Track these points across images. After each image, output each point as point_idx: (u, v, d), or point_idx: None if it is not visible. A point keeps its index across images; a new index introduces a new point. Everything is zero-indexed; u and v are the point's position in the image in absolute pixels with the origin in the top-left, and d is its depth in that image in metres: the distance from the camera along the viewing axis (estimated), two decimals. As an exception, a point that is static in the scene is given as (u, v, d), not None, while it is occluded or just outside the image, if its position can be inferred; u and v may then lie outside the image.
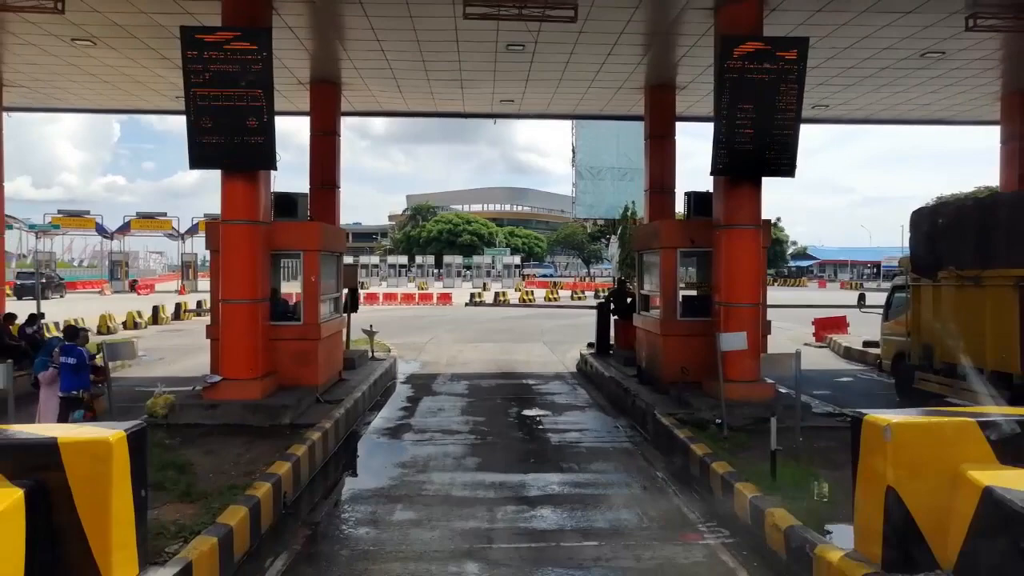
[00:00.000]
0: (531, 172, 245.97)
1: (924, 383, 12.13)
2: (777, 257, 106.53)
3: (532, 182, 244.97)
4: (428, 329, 28.47)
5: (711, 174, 10.54)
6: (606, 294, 17.04)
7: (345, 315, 15.71)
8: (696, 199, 12.64)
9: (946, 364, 11.73)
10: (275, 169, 10.29)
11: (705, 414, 10.07)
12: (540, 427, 11.46)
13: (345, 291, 15.87)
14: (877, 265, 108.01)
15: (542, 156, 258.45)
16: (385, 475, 8.97)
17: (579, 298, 52.92)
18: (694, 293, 12.87)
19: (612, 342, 17.20)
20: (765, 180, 10.89)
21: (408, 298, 47.08)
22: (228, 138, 9.85)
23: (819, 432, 9.28)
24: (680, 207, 16.71)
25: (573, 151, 60.50)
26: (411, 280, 76.75)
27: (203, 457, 8.29)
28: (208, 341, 11.55)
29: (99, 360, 9.02)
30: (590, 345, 18.79)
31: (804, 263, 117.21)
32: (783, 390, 10.97)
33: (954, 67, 13.90)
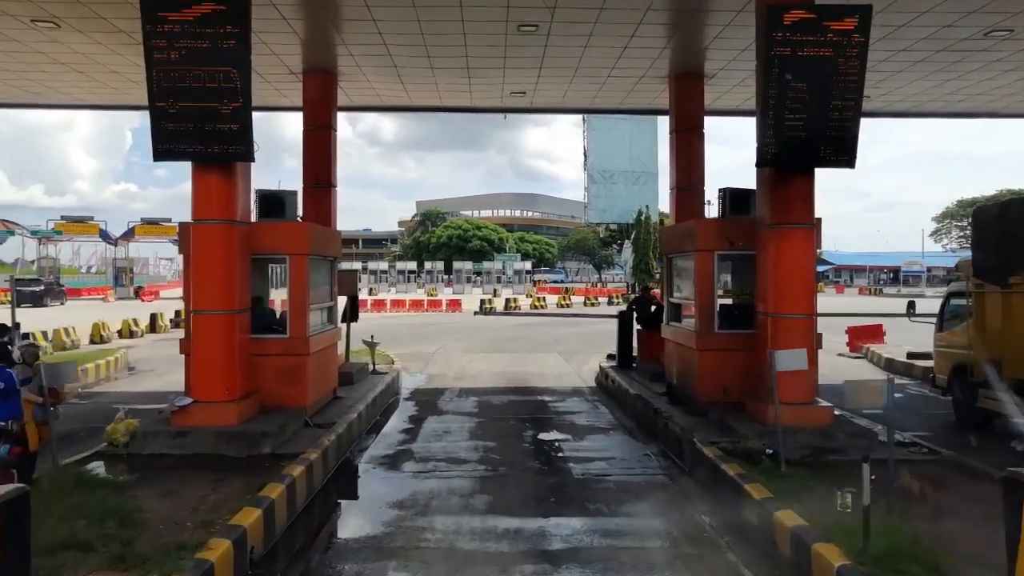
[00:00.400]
0: (541, 178, 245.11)
1: (989, 402, 10.66)
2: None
3: (542, 188, 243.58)
4: (436, 338, 27.11)
5: (757, 165, 9.10)
6: (629, 302, 15.48)
7: (344, 325, 14.39)
8: (732, 196, 11.22)
9: (1017, 381, 10.26)
10: (252, 160, 8.94)
11: (753, 443, 8.63)
12: (560, 455, 10.04)
13: (344, 299, 14.58)
14: (895, 270, 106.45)
15: (552, 162, 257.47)
16: (379, 519, 7.57)
17: (592, 304, 51.52)
18: (729, 302, 11.44)
19: (635, 354, 15.79)
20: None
21: (416, 305, 45.79)
22: (197, 125, 8.51)
23: (899, 467, 7.83)
24: (709, 206, 15.37)
25: (585, 154, 59.08)
26: (420, 286, 75.51)
27: (159, 501, 6.92)
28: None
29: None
30: (610, 357, 17.35)
31: (820, 268, 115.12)
32: (837, 412, 9.51)
33: (1020, 48, 12.44)
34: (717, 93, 15.14)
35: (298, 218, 11.51)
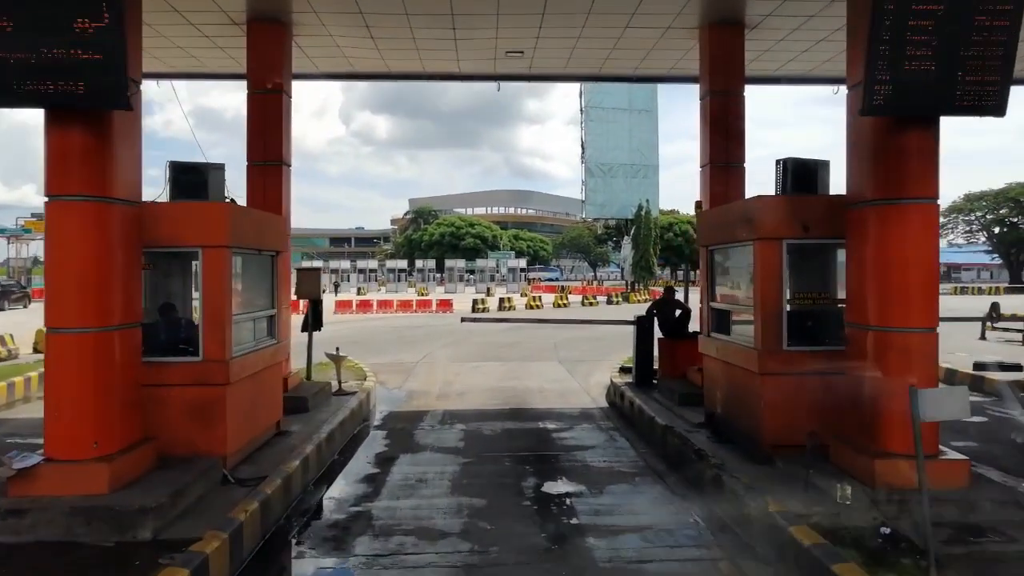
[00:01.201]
0: (535, 176, 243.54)
1: None
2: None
3: (536, 186, 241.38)
4: (422, 343, 24.34)
5: (861, 113, 6.35)
6: (649, 305, 12.78)
7: (304, 335, 11.65)
8: (796, 169, 8.49)
9: None
10: (127, 108, 6.14)
11: (860, 515, 5.93)
12: (574, 521, 7.27)
13: (303, 304, 11.84)
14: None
15: (546, 160, 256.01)
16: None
17: (591, 304, 48.81)
18: (792, 308, 8.71)
19: (655, 367, 13.10)
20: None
21: (405, 305, 43.03)
22: (41, 52, 5.74)
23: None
24: (748, 184, 12.53)
25: (582, 147, 56.35)
26: (411, 285, 72.75)
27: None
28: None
29: None
30: (623, 371, 14.64)
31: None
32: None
33: None
34: (757, 51, 12.43)
35: (229, 199, 8.73)
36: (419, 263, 79.02)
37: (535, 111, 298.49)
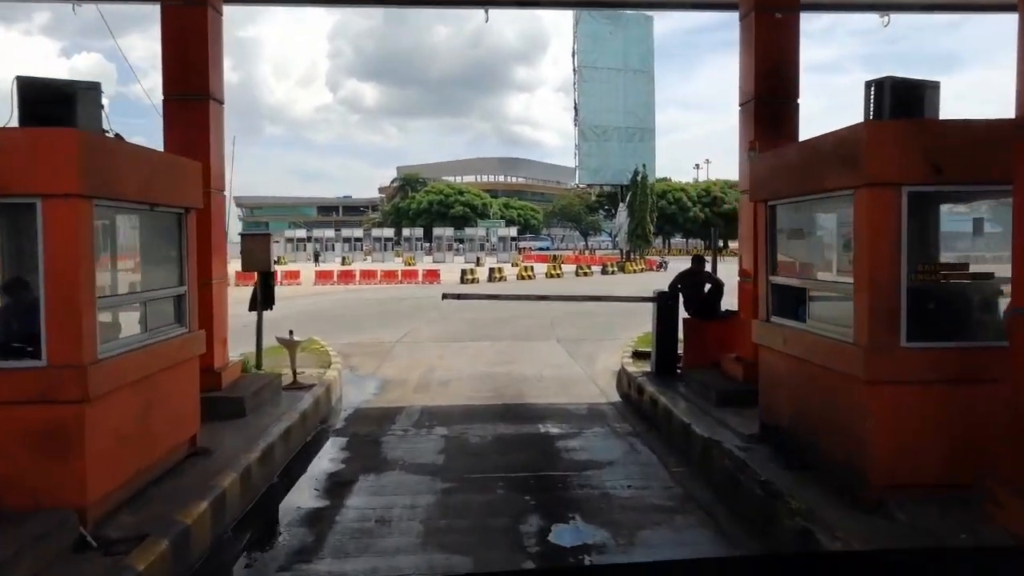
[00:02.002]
0: (525, 145, 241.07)
1: None
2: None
3: (526, 155, 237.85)
4: (405, 318, 21.91)
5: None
6: (674, 278, 10.36)
7: (254, 316, 9.24)
8: (897, 92, 6.06)
9: None
10: None
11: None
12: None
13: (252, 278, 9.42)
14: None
15: (535, 128, 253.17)
16: None
17: (586, 274, 46.46)
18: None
19: (679, 352, 10.77)
20: None
21: (389, 276, 40.57)
22: None
23: None
24: (816, 119, 9.99)
25: (575, 108, 53.69)
26: (398, 255, 70.18)
27: None
28: None
29: None
30: (637, 356, 12.29)
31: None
32: None
33: None
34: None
35: (112, 135, 6.20)
36: (406, 232, 76.41)
37: (525, 79, 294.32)
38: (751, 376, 8.84)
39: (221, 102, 9.31)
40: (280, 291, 35.14)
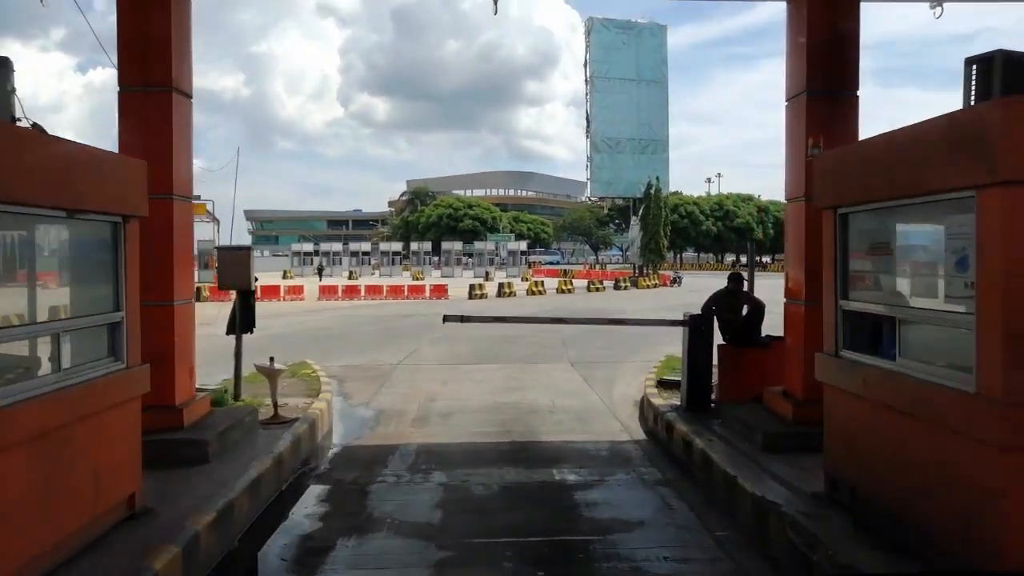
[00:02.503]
0: (534, 159, 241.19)
1: None
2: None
3: (535, 169, 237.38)
4: (409, 337, 20.64)
5: None
6: (708, 299, 8.93)
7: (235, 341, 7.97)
8: (1009, 67, 4.76)
9: None
10: None
11: None
12: None
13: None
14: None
15: (545, 143, 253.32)
16: None
17: (598, 289, 45.15)
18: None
19: (713, 382, 9.42)
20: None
21: (395, 291, 39.34)
22: None
23: None
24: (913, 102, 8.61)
25: (588, 120, 52.60)
26: (406, 269, 69.02)
27: None
28: None
29: None
30: (662, 385, 10.95)
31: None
32: None
33: None
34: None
35: (29, 124, 4.93)
36: (414, 246, 75.17)
37: (535, 93, 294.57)
38: (804, 417, 7.51)
39: (189, 96, 8.08)
40: (281, 307, 34.20)
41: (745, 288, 9.51)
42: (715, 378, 9.44)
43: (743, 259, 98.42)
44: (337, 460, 8.87)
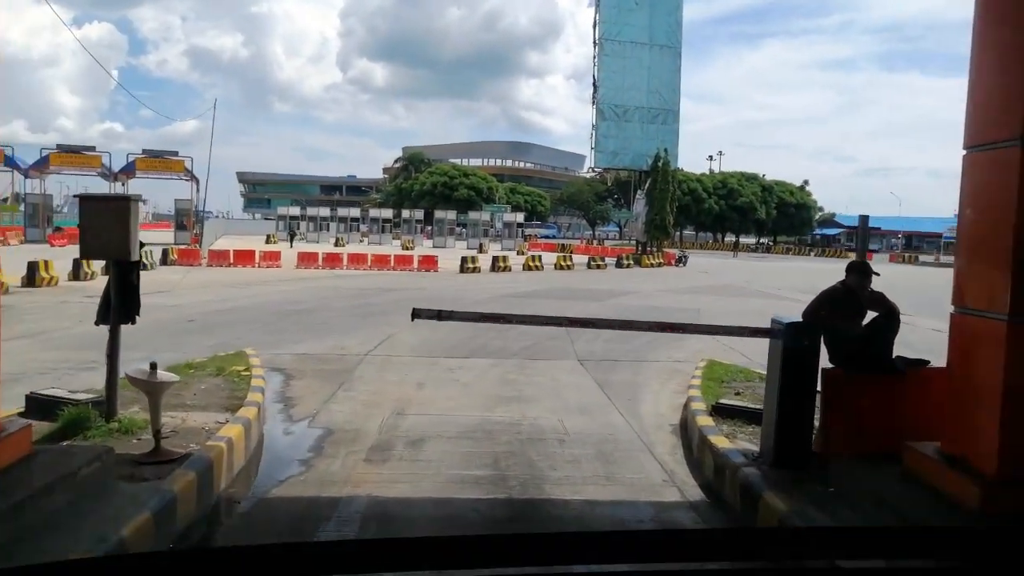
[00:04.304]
0: (533, 131, 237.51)
1: None
2: (803, 224, 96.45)
3: (534, 141, 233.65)
4: (387, 316, 17.50)
5: None
6: (816, 298, 5.65)
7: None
8: None
9: None
10: None
11: None
12: None
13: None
14: (908, 236, 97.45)
15: (544, 115, 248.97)
16: None
17: (599, 266, 42.04)
18: None
19: (813, 427, 6.31)
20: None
21: (381, 261, 36.07)
22: None
23: None
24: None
25: (594, 85, 48.86)
26: (396, 237, 65.70)
27: None
28: None
29: None
30: (720, 413, 7.85)
31: (831, 231, 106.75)
32: None
33: None
34: None
35: None
36: (406, 214, 71.74)
37: (536, 64, 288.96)
38: (1003, 505, 4.44)
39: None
40: (253, 275, 30.70)
41: (872, 285, 6.31)
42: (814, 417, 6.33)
43: (744, 240, 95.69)
44: (239, 527, 5.77)
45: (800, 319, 6.20)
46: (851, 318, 6.16)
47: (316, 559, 1.39)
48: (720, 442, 6.88)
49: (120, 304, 6.67)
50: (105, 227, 6.44)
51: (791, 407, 6.02)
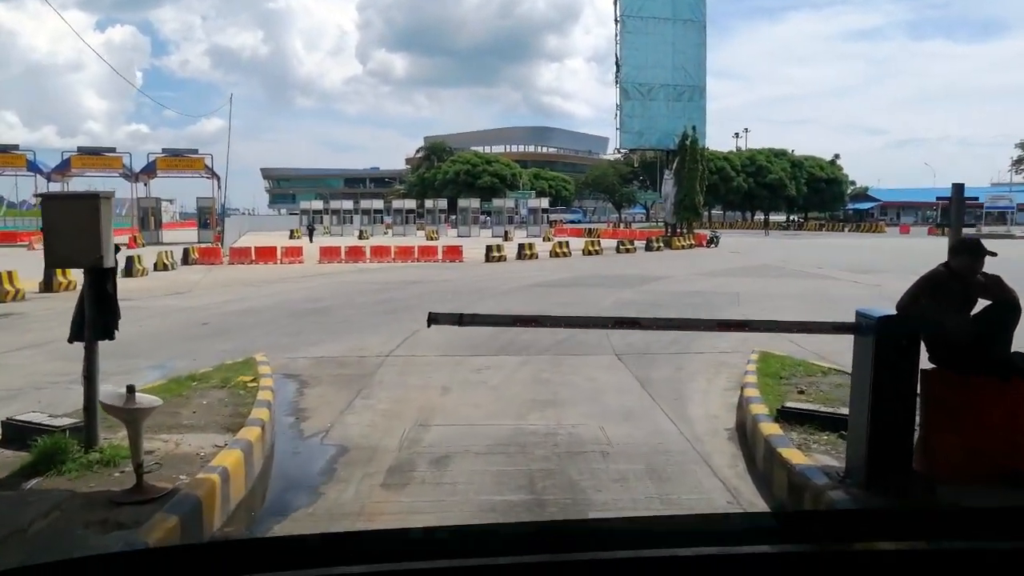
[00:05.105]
0: (555, 115, 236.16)
1: None
2: (835, 199, 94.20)
3: (556, 125, 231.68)
4: (410, 312, 16.56)
5: None
6: (908, 290, 4.55)
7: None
8: None
9: None
10: None
11: None
12: None
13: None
14: (945, 209, 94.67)
15: (565, 99, 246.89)
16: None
17: (628, 250, 40.85)
18: None
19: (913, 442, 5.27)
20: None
21: (404, 253, 35.27)
22: None
23: None
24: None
25: (617, 64, 47.58)
26: (420, 228, 64.92)
27: None
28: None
29: None
30: (785, 417, 6.82)
31: (864, 205, 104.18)
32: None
33: None
34: None
35: None
36: (430, 203, 70.80)
37: (556, 48, 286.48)
38: None
39: None
40: (274, 272, 29.89)
41: (984, 267, 5.20)
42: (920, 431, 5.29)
43: (774, 218, 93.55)
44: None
45: (893, 311, 5.14)
46: (958, 308, 5.10)
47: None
48: (793, 456, 5.86)
49: (95, 317, 5.79)
50: (73, 230, 5.56)
51: (886, 418, 4.97)
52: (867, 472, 5.06)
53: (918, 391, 5.07)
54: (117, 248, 5.87)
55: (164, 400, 7.93)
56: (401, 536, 1.49)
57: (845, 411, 6.67)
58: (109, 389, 5.63)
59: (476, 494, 6.19)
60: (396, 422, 8.24)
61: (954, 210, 6.57)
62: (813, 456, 5.92)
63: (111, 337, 5.98)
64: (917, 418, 5.16)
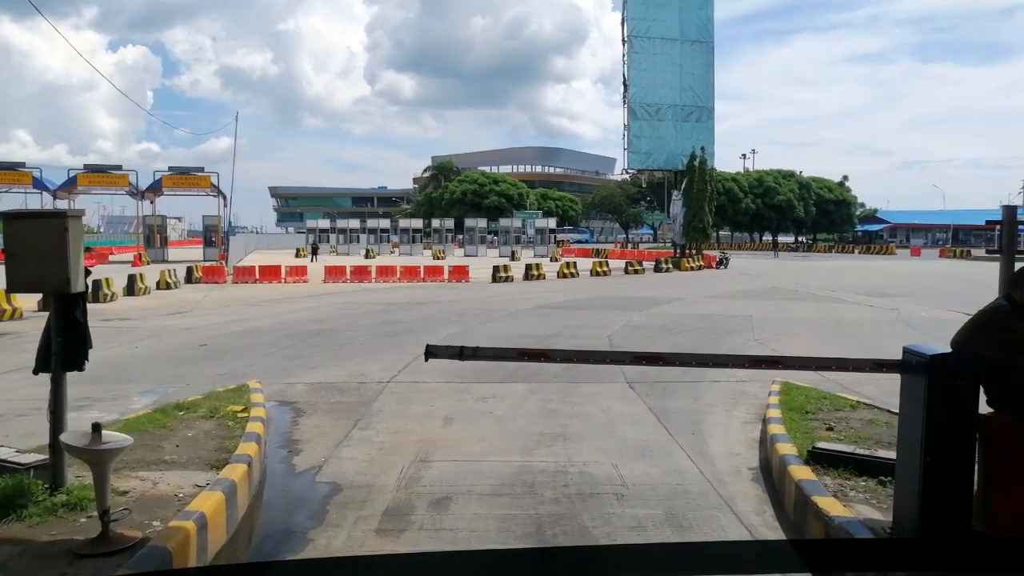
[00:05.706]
0: (562, 136, 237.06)
1: None
2: (844, 221, 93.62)
3: (563, 146, 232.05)
4: (414, 335, 16.04)
5: None
6: (965, 325, 3.97)
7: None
8: None
9: None
10: None
11: None
12: None
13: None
14: (955, 230, 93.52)
15: (572, 120, 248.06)
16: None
17: (636, 271, 40.29)
18: None
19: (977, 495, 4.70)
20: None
21: (410, 273, 34.76)
22: None
23: None
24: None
25: (625, 84, 47.23)
26: (427, 247, 64.56)
27: None
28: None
29: None
30: (817, 459, 6.24)
31: (873, 227, 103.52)
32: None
33: None
34: None
35: None
36: (436, 223, 70.43)
37: (563, 70, 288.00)
38: None
39: None
40: (278, 291, 29.47)
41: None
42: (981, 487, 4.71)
43: (782, 239, 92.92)
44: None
45: (948, 348, 4.59)
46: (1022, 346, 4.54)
47: None
48: (830, 506, 5.28)
49: (63, 347, 5.28)
50: (36, 252, 5.06)
51: (941, 469, 4.40)
52: (920, 529, 4.48)
53: (976, 439, 4.50)
54: (87, 272, 5.36)
55: (148, 432, 7.42)
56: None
57: (883, 454, 6.11)
58: (73, 429, 5.11)
59: (478, 542, 5.63)
60: (395, 457, 7.68)
61: (1007, 234, 6.02)
62: (852, 506, 5.34)
63: (80, 368, 5.46)
64: (976, 470, 4.59)
